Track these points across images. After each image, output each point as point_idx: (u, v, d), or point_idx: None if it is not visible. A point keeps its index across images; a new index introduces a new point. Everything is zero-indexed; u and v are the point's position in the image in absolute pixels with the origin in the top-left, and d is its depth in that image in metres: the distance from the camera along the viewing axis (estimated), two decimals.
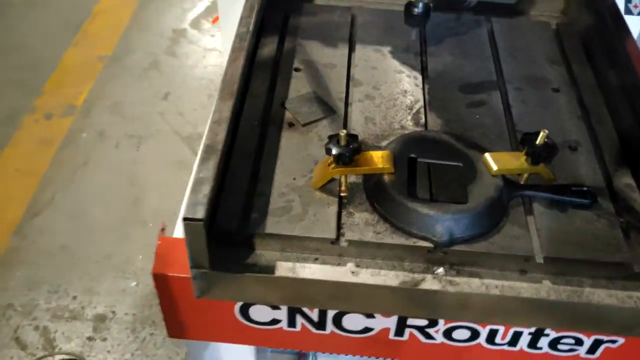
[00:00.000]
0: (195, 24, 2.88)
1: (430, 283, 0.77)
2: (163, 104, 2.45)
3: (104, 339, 1.71)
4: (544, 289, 0.77)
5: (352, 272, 0.78)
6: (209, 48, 2.74)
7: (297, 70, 1.04)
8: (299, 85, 1.01)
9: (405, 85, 1.02)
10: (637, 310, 0.74)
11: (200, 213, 0.67)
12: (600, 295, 0.76)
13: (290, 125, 0.94)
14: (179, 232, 0.91)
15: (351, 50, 1.09)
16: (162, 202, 2.07)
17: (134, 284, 1.84)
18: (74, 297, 1.80)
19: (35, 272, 1.86)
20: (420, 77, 1.04)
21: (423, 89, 1.02)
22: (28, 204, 2.04)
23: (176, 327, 0.94)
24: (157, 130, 2.34)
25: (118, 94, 2.48)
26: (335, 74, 1.04)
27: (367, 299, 0.78)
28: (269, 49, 1.07)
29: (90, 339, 1.71)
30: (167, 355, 1.68)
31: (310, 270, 0.77)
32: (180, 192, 2.12)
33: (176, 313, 0.91)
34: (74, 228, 1.98)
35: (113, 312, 1.77)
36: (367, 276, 0.77)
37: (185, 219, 0.67)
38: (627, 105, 0.95)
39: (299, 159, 0.89)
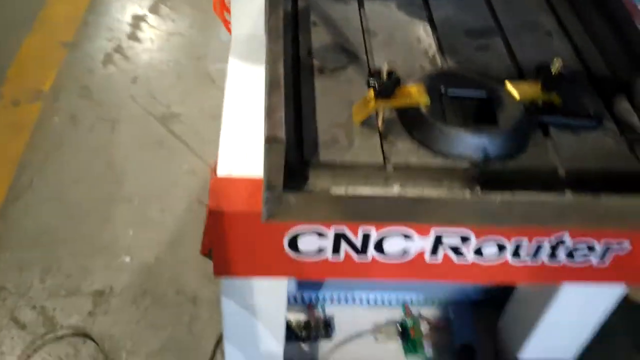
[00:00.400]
0: (155, 9, 2.87)
1: (469, 196, 0.86)
2: (132, 87, 2.46)
3: (106, 313, 1.72)
4: (567, 195, 0.87)
5: (399, 192, 0.86)
6: (171, 32, 2.75)
7: (314, 24, 1.11)
8: (320, 37, 1.08)
9: (417, 34, 1.12)
10: None
11: (282, 133, 0.74)
12: (616, 198, 0.87)
13: (320, 71, 1.02)
14: (222, 171, 0.96)
15: (360, 5, 1.17)
16: (145, 180, 2.09)
17: (127, 259, 1.85)
18: (68, 276, 1.80)
19: (23, 254, 1.84)
20: (428, 26, 1.13)
21: (433, 36, 1.11)
22: (7, 189, 2.01)
23: (224, 265, 1.00)
24: (130, 112, 2.34)
25: (85, 79, 2.47)
26: (351, 27, 1.12)
27: (415, 211, 0.86)
28: (284, 6, 1.13)
29: (91, 314, 1.72)
30: (170, 322, 1.71)
31: (362, 191, 0.85)
32: (161, 170, 2.15)
33: (227, 250, 0.97)
34: (58, 210, 1.97)
35: (110, 287, 1.78)
36: (413, 192, 0.86)
37: (267, 139, 0.73)
38: (614, 43, 1.08)
39: (336, 100, 0.97)
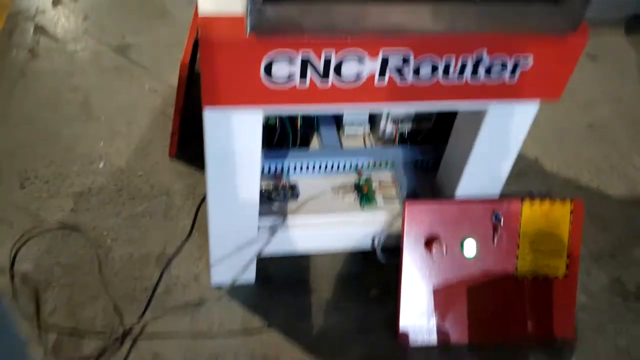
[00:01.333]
0: None
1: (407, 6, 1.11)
2: (85, 23, 2.59)
3: (87, 209, 1.88)
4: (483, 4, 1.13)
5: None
6: None
7: None
8: None
9: None
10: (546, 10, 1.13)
11: None
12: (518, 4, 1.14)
13: None
14: (203, 12, 1.15)
15: None
16: (110, 101, 2.24)
17: (101, 164, 2.02)
18: (47, 182, 1.95)
19: None
20: None
21: None
22: None
23: (211, 95, 1.20)
24: (86, 44, 2.48)
25: (37, 19, 2.58)
26: None
27: (367, 17, 1.09)
28: None
29: (73, 210, 1.88)
30: (148, 212, 1.89)
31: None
32: (124, 90, 2.30)
33: (213, 80, 1.17)
34: (28, 129, 2.11)
35: (89, 189, 1.94)
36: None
37: None
38: None
39: None
